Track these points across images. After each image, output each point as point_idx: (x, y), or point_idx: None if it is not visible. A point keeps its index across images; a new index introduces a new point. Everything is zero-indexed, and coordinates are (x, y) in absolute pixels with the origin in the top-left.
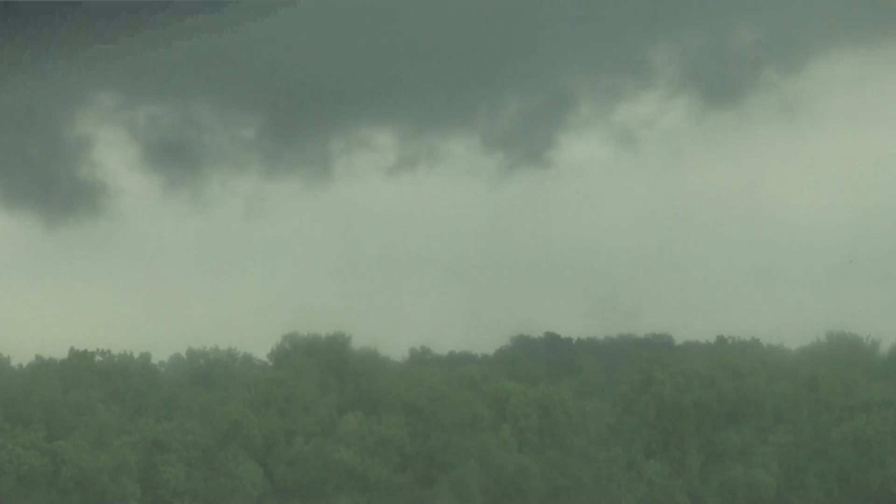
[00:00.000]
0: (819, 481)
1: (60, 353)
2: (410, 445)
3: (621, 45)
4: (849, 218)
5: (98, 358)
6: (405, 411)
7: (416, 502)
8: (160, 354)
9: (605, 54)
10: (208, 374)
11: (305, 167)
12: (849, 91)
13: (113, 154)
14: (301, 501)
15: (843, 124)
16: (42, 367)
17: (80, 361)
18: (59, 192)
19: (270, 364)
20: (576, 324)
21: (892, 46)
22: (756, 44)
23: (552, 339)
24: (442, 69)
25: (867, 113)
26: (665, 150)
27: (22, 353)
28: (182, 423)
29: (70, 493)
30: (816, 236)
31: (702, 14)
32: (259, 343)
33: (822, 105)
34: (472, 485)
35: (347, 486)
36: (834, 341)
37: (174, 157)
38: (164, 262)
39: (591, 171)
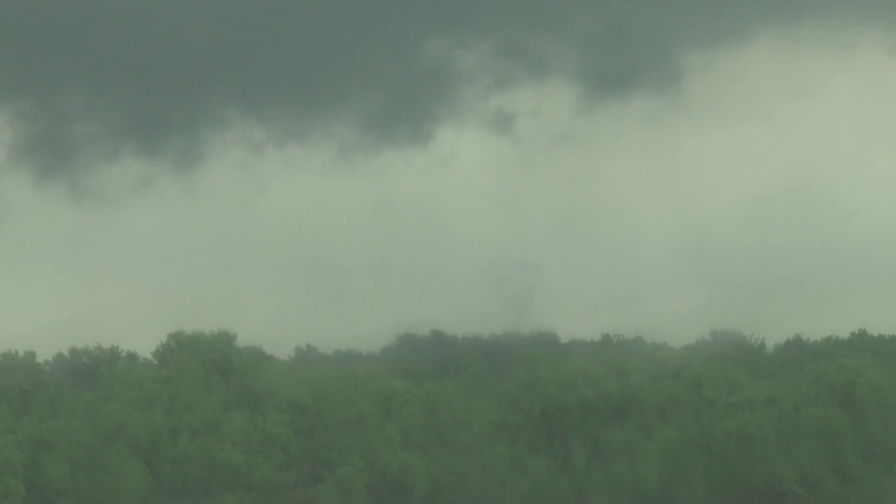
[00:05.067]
0: (703, 478)
1: None
2: (295, 444)
3: (506, 29)
4: (735, 215)
5: None
6: (290, 410)
7: (301, 501)
8: (44, 353)
9: (488, 38)
10: (92, 372)
11: (178, 155)
12: (744, 81)
13: None
14: (186, 500)
15: (737, 117)
16: None
17: None
18: None
19: (155, 362)
20: (461, 321)
21: (801, 32)
22: (651, 31)
23: (438, 337)
24: (314, 48)
25: (762, 104)
26: (548, 140)
27: None
28: (66, 421)
29: None
30: (701, 233)
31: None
32: (143, 341)
33: (715, 96)
34: (357, 483)
35: (233, 485)
36: (718, 339)
37: (46, 149)
38: (42, 256)
39: (473, 160)
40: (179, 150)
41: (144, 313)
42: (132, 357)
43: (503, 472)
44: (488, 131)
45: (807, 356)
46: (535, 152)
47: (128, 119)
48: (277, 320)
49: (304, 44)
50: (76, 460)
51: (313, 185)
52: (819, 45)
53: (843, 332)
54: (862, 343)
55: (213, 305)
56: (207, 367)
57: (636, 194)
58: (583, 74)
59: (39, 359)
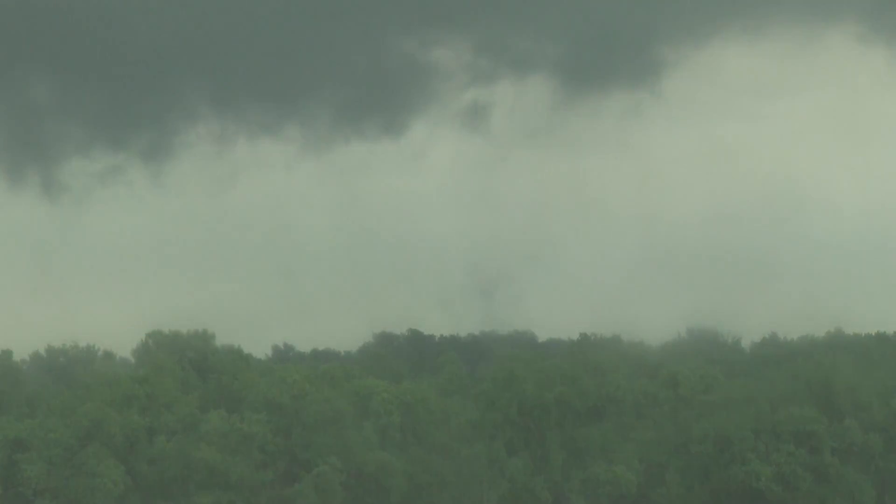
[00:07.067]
0: (680, 478)
1: None
2: (272, 443)
3: (484, 24)
4: (711, 212)
5: None
6: (267, 409)
7: (279, 500)
8: (21, 351)
9: (465, 32)
10: (69, 371)
11: (148, 148)
12: (718, 74)
13: None
14: (163, 500)
15: (712, 111)
16: None
17: None
18: None
19: (132, 361)
20: (438, 320)
21: (774, 34)
22: (628, 30)
23: (415, 336)
24: (288, 41)
25: (736, 99)
26: (525, 135)
27: None
28: (43, 421)
29: None
30: (676, 231)
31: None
32: (121, 340)
33: (691, 90)
34: (334, 482)
35: (209, 485)
36: (695, 337)
37: (17, 146)
38: (17, 254)
39: (449, 156)
40: (150, 145)
41: (121, 312)
42: (109, 356)
43: (480, 471)
44: (463, 127)
45: (783, 355)
46: (511, 147)
47: (99, 113)
48: (254, 319)
49: (277, 37)
50: (53, 459)
51: (285, 180)
52: (790, 36)
53: (820, 330)
54: (838, 341)
55: (190, 304)
56: (185, 366)
57: (613, 190)
58: (560, 69)
59: (16, 357)
